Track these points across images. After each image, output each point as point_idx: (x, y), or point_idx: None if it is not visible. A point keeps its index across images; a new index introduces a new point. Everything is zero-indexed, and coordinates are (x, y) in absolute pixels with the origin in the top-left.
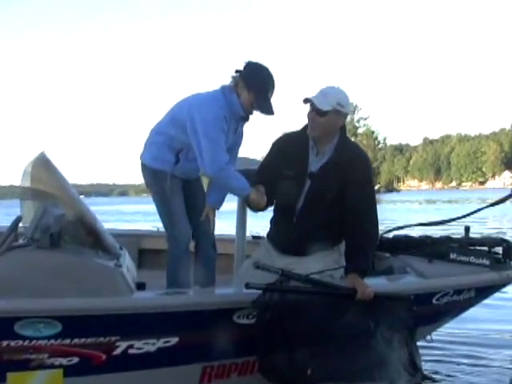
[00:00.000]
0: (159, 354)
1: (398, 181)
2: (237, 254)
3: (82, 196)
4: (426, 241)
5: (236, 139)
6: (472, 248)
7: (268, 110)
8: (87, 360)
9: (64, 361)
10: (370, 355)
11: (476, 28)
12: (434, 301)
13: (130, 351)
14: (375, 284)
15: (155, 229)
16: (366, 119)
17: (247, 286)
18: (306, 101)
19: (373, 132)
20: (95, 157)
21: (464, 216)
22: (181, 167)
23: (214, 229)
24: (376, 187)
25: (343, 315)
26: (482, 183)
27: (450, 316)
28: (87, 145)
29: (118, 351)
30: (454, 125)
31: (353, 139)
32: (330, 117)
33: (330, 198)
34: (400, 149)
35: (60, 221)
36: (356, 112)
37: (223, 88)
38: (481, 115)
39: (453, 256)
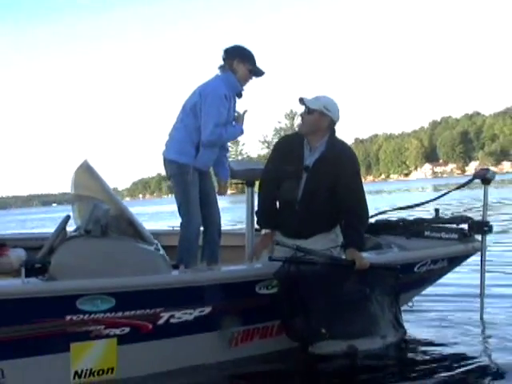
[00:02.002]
0: (196, 321)
1: None
2: (247, 242)
3: (54, 204)
4: (403, 222)
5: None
6: (442, 225)
7: (262, 71)
8: (137, 329)
9: (117, 331)
10: (367, 315)
11: (397, 38)
12: (415, 269)
13: (172, 320)
14: (368, 257)
15: (171, 228)
16: None
17: (270, 258)
18: (301, 100)
19: None
20: (64, 166)
21: (434, 199)
22: (200, 157)
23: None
24: None
25: (345, 283)
26: (407, 175)
27: (428, 282)
28: (56, 155)
29: (161, 321)
30: (380, 125)
31: None
32: (315, 116)
33: (324, 187)
34: None
35: (107, 214)
36: (296, 118)
37: (219, 75)
38: (403, 116)
39: (427, 233)
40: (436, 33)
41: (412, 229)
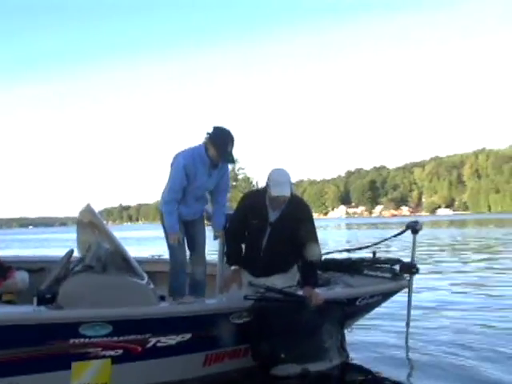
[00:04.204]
0: (178, 345)
1: None
2: (218, 277)
3: (30, 227)
4: (348, 262)
5: (217, 181)
6: (379, 266)
7: (228, 160)
8: (128, 351)
9: (112, 352)
10: (319, 342)
11: (319, 100)
12: (357, 303)
13: (158, 344)
14: (320, 293)
15: (151, 256)
16: (243, 169)
17: (245, 297)
18: (282, 198)
19: (249, 178)
20: (41, 192)
21: (373, 245)
22: (180, 211)
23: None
24: None
25: (303, 316)
26: (326, 214)
27: (365, 313)
28: (31, 182)
29: (150, 345)
30: (305, 172)
31: (234, 183)
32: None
33: (285, 238)
34: None
35: (107, 253)
36: (236, 163)
37: (200, 144)
38: (324, 165)
39: (366, 271)
40: (347, 98)
41: (354, 267)
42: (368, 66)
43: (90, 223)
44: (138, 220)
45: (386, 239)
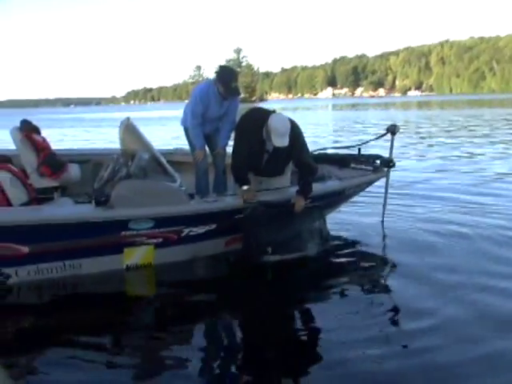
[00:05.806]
0: (206, 233)
1: (266, 94)
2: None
3: (72, 105)
4: (337, 156)
5: (227, 109)
6: (363, 159)
7: (233, 94)
8: (167, 239)
9: (154, 240)
10: (303, 237)
11: None
12: (346, 192)
13: (190, 233)
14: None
15: (174, 149)
16: (246, 57)
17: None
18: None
19: (251, 65)
20: (79, 74)
21: (359, 145)
22: (203, 129)
23: (224, 160)
24: (253, 98)
25: (289, 217)
26: (315, 94)
27: (351, 198)
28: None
29: (184, 234)
30: (299, 59)
31: (238, 69)
32: None
33: (281, 160)
34: (267, 74)
35: (147, 162)
36: (240, 52)
37: (212, 79)
38: (314, 52)
39: (353, 165)
40: None
41: (343, 162)
42: None
43: (132, 135)
44: (159, 100)
45: (370, 140)
